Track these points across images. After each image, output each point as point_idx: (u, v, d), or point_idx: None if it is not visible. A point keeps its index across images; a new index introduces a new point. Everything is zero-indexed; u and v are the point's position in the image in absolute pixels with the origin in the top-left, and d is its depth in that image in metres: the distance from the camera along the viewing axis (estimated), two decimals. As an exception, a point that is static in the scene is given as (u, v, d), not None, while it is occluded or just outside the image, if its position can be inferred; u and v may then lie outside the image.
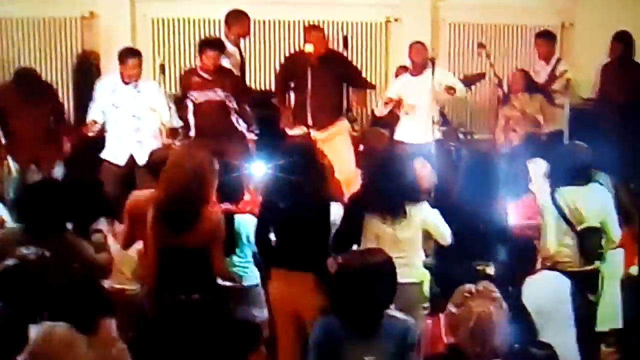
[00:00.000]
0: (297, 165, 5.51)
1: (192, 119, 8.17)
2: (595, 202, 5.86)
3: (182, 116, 8.25)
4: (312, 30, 8.59)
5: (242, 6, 8.70)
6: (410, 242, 5.57)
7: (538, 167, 6.58)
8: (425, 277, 5.68)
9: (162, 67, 8.70)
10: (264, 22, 9.77)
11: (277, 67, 9.23)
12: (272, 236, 5.53)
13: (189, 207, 5.13)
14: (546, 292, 5.32)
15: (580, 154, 6.05)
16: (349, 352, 4.07)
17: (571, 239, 5.82)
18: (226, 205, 5.72)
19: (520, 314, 4.82)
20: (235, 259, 5.82)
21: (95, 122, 8.07)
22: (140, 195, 5.61)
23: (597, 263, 5.84)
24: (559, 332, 5.16)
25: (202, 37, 9.02)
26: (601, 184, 6.03)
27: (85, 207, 5.75)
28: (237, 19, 8.62)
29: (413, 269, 5.54)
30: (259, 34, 9.75)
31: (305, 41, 8.43)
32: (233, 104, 8.18)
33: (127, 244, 5.68)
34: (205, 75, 8.13)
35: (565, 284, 5.42)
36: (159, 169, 5.41)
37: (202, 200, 5.17)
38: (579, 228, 5.80)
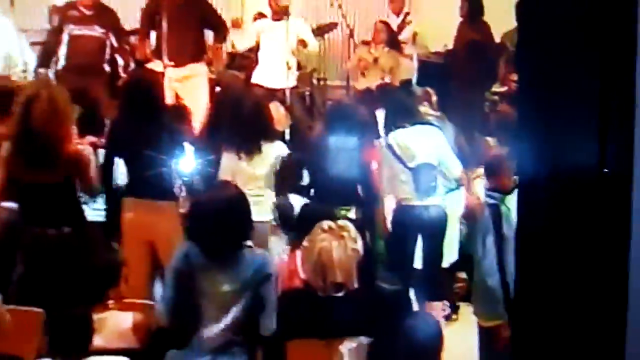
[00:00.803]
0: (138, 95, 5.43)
1: (64, 52, 7.75)
2: (428, 140, 5.93)
3: (48, 49, 7.79)
4: None
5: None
6: (266, 178, 5.53)
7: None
8: None
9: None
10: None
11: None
12: (123, 166, 5.39)
13: (49, 145, 4.84)
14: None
15: (407, 97, 6.17)
16: (205, 279, 3.96)
17: (406, 176, 5.82)
18: (90, 139, 5.49)
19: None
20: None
21: None
22: None
23: (436, 198, 5.88)
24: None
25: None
26: (435, 126, 6.12)
27: None
28: None
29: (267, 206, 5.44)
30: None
31: None
32: (113, 41, 7.84)
33: None
34: (85, 11, 7.76)
35: None
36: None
37: (62, 138, 4.88)
38: (411, 165, 5.80)
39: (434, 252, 5.68)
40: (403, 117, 6.00)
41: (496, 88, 8.51)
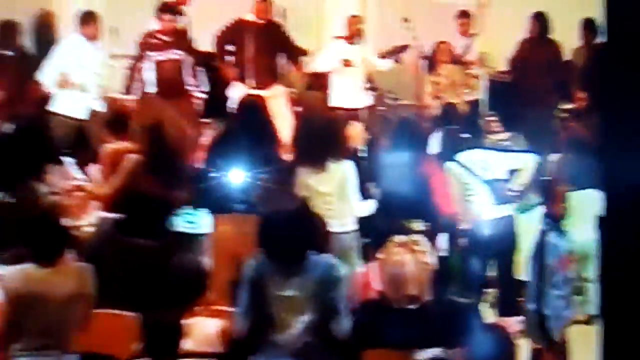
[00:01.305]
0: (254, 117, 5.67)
1: (152, 78, 8.01)
2: (501, 157, 5.97)
3: (134, 75, 8.08)
4: (260, 1, 8.37)
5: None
6: (332, 195, 5.52)
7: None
8: None
9: (116, 30, 8.54)
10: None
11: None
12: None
13: (177, 163, 5.37)
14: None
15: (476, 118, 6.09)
16: (275, 286, 3.97)
17: (479, 190, 5.84)
18: None
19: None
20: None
21: (66, 74, 7.84)
22: (115, 147, 5.91)
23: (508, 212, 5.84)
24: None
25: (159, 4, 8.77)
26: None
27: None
28: None
29: (342, 219, 5.45)
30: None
31: (252, 10, 8.28)
32: (188, 63, 8.08)
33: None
34: (164, 37, 8.01)
35: None
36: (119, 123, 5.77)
37: (185, 156, 5.49)
38: (485, 179, 5.82)
39: (505, 265, 5.62)
40: (472, 136, 6.00)
41: (565, 105, 8.41)
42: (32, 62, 8.26)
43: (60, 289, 4.22)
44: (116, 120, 6.31)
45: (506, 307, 5.46)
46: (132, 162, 5.53)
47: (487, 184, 5.83)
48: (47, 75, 7.95)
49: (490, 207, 5.81)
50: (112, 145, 6.03)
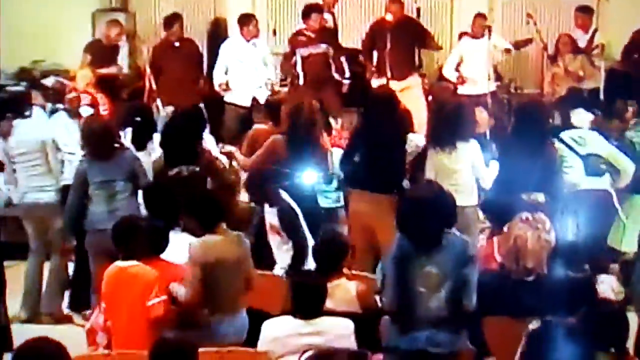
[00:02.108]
0: (381, 106, 5.54)
1: (300, 71, 8.05)
2: (599, 137, 5.82)
3: (288, 69, 8.20)
4: (393, 3, 8.30)
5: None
6: (461, 172, 5.39)
7: (581, 117, 6.15)
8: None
9: (274, 31, 8.77)
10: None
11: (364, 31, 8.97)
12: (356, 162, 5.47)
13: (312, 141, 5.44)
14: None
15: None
16: (415, 264, 3.83)
17: (576, 163, 5.69)
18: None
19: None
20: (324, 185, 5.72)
21: (225, 84, 8.07)
22: (259, 127, 6.14)
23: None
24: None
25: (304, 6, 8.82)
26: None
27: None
28: None
29: (465, 195, 5.28)
30: (348, 2, 9.44)
31: (386, 10, 8.22)
32: (331, 55, 8.10)
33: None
34: (311, 34, 8.03)
35: None
36: (273, 109, 5.98)
37: (317, 137, 5.50)
38: (581, 153, 5.69)
39: (599, 234, 5.36)
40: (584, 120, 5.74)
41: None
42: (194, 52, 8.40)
43: (232, 255, 4.27)
44: (269, 107, 6.36)
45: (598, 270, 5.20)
46: (274, 141, 5.56)
47: (582, 159, 5.60)
48: (216, 75, 8.20)
49: (584, 179, 5.57)
50: (257, 126, 6.13)
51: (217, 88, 8.16)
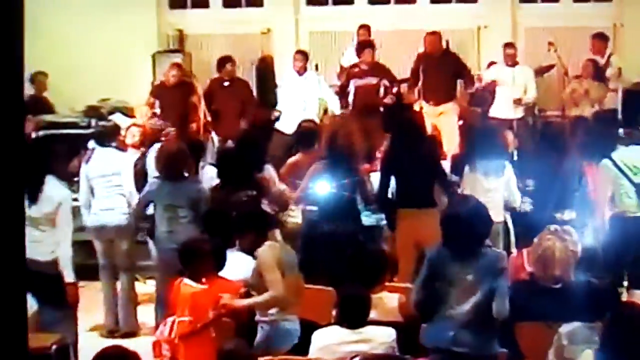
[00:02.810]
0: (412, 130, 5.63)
1: (352, 99, 8.23)
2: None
3: (341, 97, 8.37)
4: (430, 35, 8.40)
5: (371, 21, 8.80)
6: (496, 192, 5.38)
7: None
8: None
9: (317, 66, 8.84)
10: (390, 33, 9.51)
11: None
12: (393, 184, 5.50)
13: (348, 164, 5.46)
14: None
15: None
16: (453, 270, 3.82)
17: (630, 190, 5.36)
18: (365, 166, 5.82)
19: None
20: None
21: (278, 110, 8.36)
22: (295, 159, 6.03)
23: None
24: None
25: (344, 43, 8.99)
26: None
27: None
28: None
29: (496, 211, 5.21)
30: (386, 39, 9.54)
31: (425, 41, 8.34)
32: (386, 85, 8.24)
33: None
34: (365, 67, 8.21)
35: None
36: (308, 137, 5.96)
37: (355, 159, 5.53)
38: (636, 180, 5.35)
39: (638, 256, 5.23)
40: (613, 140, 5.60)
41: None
42: (243, 89, 8.56)
43: (288, 258, 4.32)
44: (304, 136, 6.28)
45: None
46: (315, 167, 5.59)
47: (635, 187, 5.34)
48: (279, 104, 8.44)
49: (636, 207, 5.34)
50: (293, 159, 6.04)
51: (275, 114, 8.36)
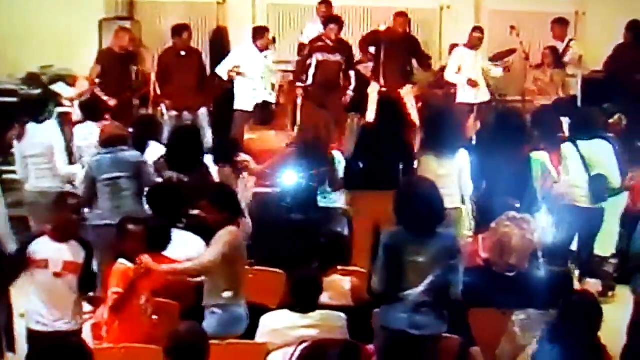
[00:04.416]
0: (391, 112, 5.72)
1: (312, 73, 8.16)
2: (604, 153, 5.52)
3: (302, 71, 8.24)
4: (399, 16, 8.40)
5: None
6: (449, 177, 5.36)
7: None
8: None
9: (274, 39, 8.67)
10: (352, 8, 9.47)
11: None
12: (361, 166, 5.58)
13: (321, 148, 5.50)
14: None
15: (592, 115, 5.79)
16: (407, 252, 3.82)
17: (584, 181, 5.48)
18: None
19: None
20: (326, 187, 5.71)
21: (237, 67, 8.13)
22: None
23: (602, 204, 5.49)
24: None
25: (302, 18, 8.91)
26: (609, 142, 5.67)
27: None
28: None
29: (452, 198, 5.27)
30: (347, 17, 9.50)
31: (393, 22, 8.31)
32: (344, 66, 8.19)
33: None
34: (329, 42, 8.16)
35: None
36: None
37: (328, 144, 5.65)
38: (591, 172, 5.46)
39: (588, 245, 5.37)
40: (587, 131, 5.66)
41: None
42: (199, 60, 8.39)
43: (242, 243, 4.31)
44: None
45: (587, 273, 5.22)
46: (287, 153, 5.64)
47: (591, 178, 5.47)
48: (222, 68, 8.20)
49: (590, 199, 5.47)
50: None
51: (225, 77, 8.18)
